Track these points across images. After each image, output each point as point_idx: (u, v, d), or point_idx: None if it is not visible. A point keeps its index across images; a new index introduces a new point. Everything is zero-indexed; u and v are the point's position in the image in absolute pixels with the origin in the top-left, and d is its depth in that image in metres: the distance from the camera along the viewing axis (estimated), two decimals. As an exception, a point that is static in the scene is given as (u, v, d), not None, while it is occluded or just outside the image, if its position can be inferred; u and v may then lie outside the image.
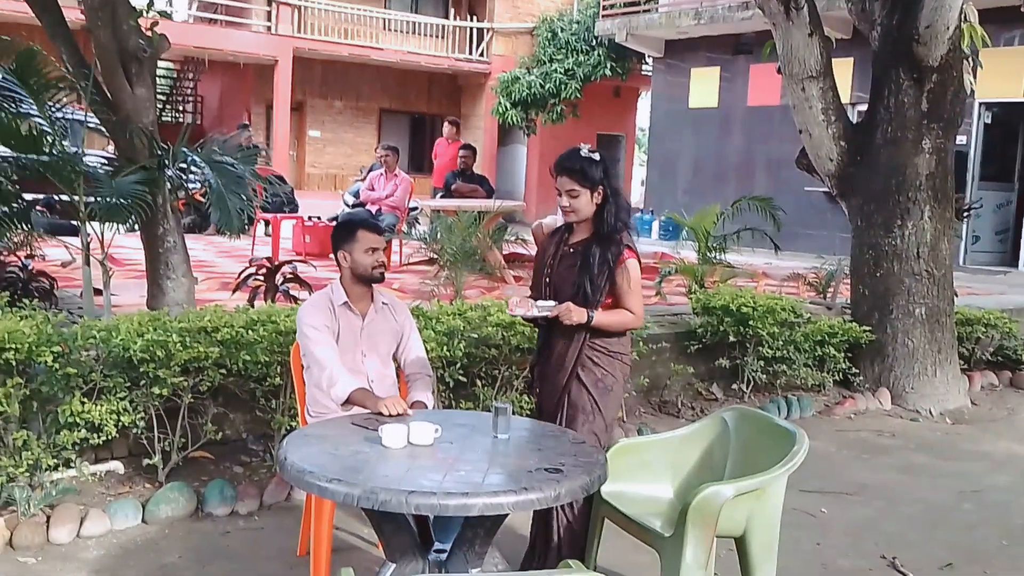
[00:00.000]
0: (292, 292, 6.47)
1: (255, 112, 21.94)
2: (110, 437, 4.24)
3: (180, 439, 4.50)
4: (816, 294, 8.75)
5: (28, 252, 6.49)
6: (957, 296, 7.45)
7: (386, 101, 23.94)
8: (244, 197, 5.83)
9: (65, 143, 5.68)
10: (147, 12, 5.73)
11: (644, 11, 18.18)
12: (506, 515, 2.79)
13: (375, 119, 23.91)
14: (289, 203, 14.00)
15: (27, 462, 4.01)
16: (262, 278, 6.57)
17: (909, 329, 6.93)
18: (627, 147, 24.96)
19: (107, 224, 5.64)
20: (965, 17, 6.75)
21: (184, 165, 5.89)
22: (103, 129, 6.02)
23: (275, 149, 20.34)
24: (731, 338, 6.47)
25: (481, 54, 22.94)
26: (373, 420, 3.21)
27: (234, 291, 6.79)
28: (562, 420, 3.56)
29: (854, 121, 7.34)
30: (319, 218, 12.00)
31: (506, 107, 20.44)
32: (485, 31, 22.98)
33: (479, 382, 5.25)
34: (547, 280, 3.66)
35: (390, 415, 3.25)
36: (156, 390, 4.27)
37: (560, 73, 19.86)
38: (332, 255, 3.79)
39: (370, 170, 12.34)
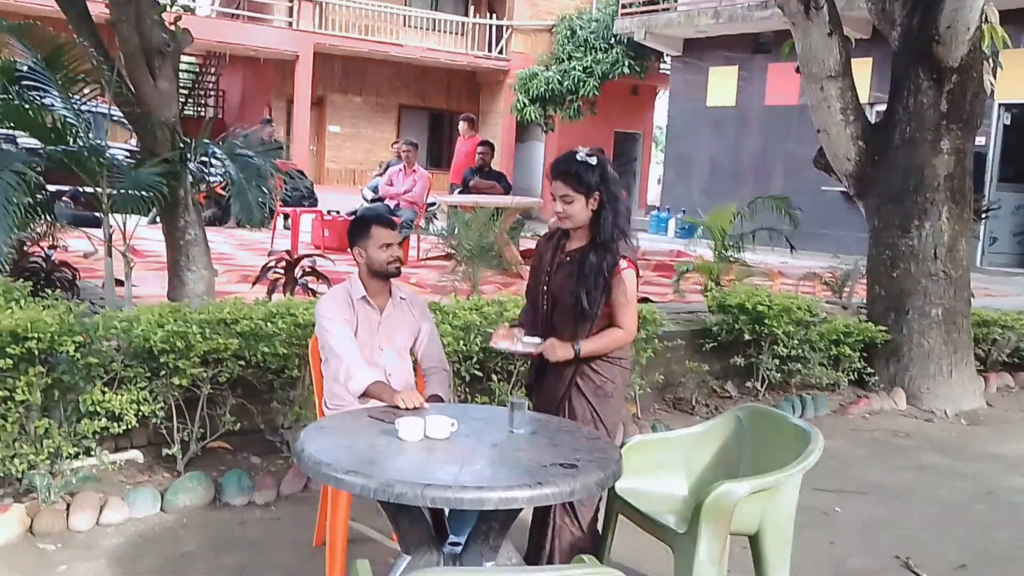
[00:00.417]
0: (311, 285, 6.52)
1: (276, 107, 22.05)
2: (130, 426, 4.30)
3: (199, 429, 4.54)
4: (832, 293, 8.73)
5: (51, 243, 6.55)
6: (974, 297, 7.42)
7: (405, 97, 24.02)
8: (264, 190, 5.88)
9: (90, 135, 5.74)
10: (170, 7, 5.77)
11: (663, 10, 18.16)
12: (520, 509, 2.81)
13: (394, 115, 23.98)
14: (309, 197, 14.08)
15: (48, 450, 4.07)
16: (281, 271, 6.63)
17: (925, 330, 6.91)
18: (644, 145, 24.94)
19: (129, 216, 5.70)
20: (986, 18, 6.74)
21: (205, 158, 5.94)
22: (126, 122, 6.08)
23: (295, 144, 20.44)
24: (746, 336, 6.47)
25: (500, 51, 22.97)
26: (390, 413, 3.22)
27: (254, 284, 6.86)
28: None
29: (872, 121, 7.32)
30: (338, 212, 12.05)
31: (524, 103, 20.45)
32: (504, 28, 23.00)
33: (495, 377, 5.28)
34: (545, 288, 3.56)
35: (407, 408, 3.26)
36: (176, 380, 4.31)
37: (578, 70, 19.85)
38: (349, 250, 3.82)
39: (389, 165, 12.39)
